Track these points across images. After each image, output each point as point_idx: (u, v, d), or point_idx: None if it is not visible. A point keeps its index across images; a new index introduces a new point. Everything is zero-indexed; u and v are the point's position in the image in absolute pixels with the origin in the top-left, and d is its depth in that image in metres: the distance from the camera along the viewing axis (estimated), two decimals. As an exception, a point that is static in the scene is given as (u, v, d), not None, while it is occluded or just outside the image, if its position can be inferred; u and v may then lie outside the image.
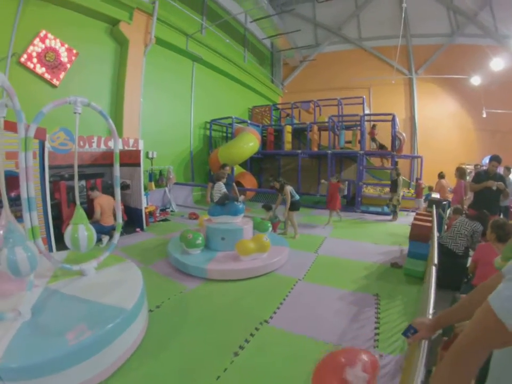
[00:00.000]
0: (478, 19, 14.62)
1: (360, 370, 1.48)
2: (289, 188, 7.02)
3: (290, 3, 17.06)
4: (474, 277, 3.32)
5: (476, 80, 13.92)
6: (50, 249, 5.32)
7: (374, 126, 12.50)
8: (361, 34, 17.45)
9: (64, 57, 7.56)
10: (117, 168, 3.73)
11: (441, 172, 9.42)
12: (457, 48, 15.26)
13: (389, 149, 11.65)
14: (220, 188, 5.86)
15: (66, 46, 7.59)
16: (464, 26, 15.15)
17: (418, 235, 4.79)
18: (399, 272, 5.01)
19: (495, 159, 5.31)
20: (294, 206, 7.07)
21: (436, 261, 2.66)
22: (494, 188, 5.17)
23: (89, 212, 5.85)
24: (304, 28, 17.50)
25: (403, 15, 12.03)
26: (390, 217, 9.66)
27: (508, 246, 2.79)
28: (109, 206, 6.37)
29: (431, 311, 1.71)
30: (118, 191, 3.78)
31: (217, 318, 3.53)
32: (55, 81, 7.43)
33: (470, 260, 4.23)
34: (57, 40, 7.41)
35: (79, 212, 3.46)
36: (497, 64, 12.83)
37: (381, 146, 12.17)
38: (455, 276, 4.05)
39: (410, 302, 3.96)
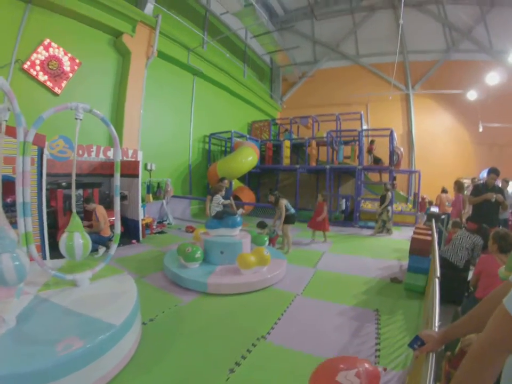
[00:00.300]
0: (473, 35, 14.87)
1: (354, 375, 1.43)
2: (284, 202, 6.97)
3: (290, 20, 17.31)
4: (476, 290, 3.26)
5: (472, 94, 14.08)
6: (44, 257, 5.20)
7: (372, 141, 12.57)
8: (358, 51, 17.70)
9: (67, 66, 7.62)
10: (117, 178, 3.65)
11: (444, 187, 9.43)
12: (453, 63, 15.49)
13: (386, 163, 11.66)
14: (218, 201, 5.81)
15: (69, 55, 7.65)
16: (459, 42, 15.40)
17: (419, 249, 4.74)
18: (399, 287, 4.93)
19: (494, 172, 5.30)
20: (289, 220, 6.99)
21: (438, 273, 2.61)
22: (493, 200, 5.15)
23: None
24: (303, 45, 17.79)
25: (399, 32, 12.22)
26: (384, 233, 9.63)
27: None
28: (107, 216, 6.38)
29: (437, 323, 1.66)
30: (117, 200, 3.68)
31: (213, 333, 3.43)
32: (56, 90, 7.46)
33: (470, 273, 4.19)
34: (61, 49, 7.47)
35: (75, 220, 3.38)
36: (492, 78, 13.01)
37: (376, 161, 12.20)
38: (456, 289, 3.99)
39: (411, 317, 3.88)
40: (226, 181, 7.09)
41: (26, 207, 2.65)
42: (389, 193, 9.22)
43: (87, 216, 6.63)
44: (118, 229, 3.75)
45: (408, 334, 3.44)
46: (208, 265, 5.19)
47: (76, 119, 3.17)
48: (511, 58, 11.65)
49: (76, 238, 3.27)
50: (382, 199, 9.31)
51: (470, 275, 4.13)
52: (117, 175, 3.66)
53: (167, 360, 2.87)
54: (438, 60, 15.98)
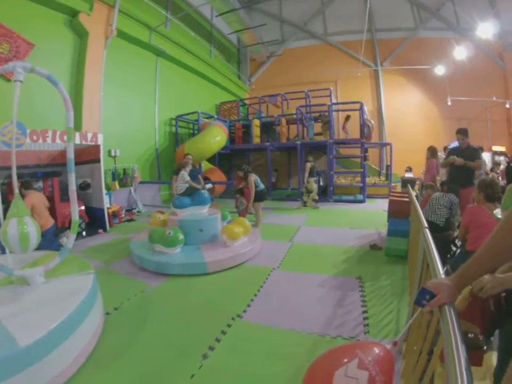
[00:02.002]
0: (441, 13, 15.11)
1: (356, 368, 1.07)
2: (253, 177, 6.58)
3: (256, 0, 16.84)
4: (466, 242, 3.09)
5: (439, 69, 14.18)
6: (3, 251, 4.67)
7: (348, 117, 12.42)
8: (327, 29, 17.55)
9: (19, 49, 6.90)
10: (70, 148, 2.98)
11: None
12: (421, 41, 15.67)
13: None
14: (184, 177, 5.41)
15: (22, 37, 6.94)
16: (427, 20, 15.61)
17: (398, 211, 4.61)
18: (379, 254, 4.80)
19: (458, 132, 5.12)
20: (258, 197, 6.63)
21: (425, 224, 2.39)
22: (456, 163, 5.00)
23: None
24: (271, 24, 17.41)
25: (367, 10, 12.11)
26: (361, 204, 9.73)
27: (507, 195, 2.61)
28: (43, 205, 5.03)
29: (441, 270, 1.39)
30: (72, 177, 3.01)
31: (182, 317, 3.12)
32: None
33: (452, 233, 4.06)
34: (12, 31, 6.74)
35: (20, 202, 2.92)
36: (460, 52, 13.06)
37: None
38: (440, 249, 3.83)
39: (396, 281, 3.73)
40: (190, 156, 6.69)
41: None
42: (308, 164, 9.35)
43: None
44: (76, 214, 3.03)
45: (395, 299, 3.27)
46: (187, 246, 4.75)
47: (15, 81, 2.68)
48: (478, 33, 11.66)
49: (30, 224, 2.83)
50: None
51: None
52: (70, 145, 2.99)
53: (131, 353, 2.54)
54: (406, 37, 16.14)
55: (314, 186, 9.50)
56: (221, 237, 4.90)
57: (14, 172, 2.98)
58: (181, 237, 4.62)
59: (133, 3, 9.91)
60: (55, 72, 7.68)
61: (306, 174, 9.39)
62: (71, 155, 2.98)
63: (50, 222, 5.06)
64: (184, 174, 5.44)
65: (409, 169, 11.74)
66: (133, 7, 9.78)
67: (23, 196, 4.85)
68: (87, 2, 8.17)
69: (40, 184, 6.58)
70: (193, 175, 5.96)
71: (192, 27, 13.76)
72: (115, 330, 2.86)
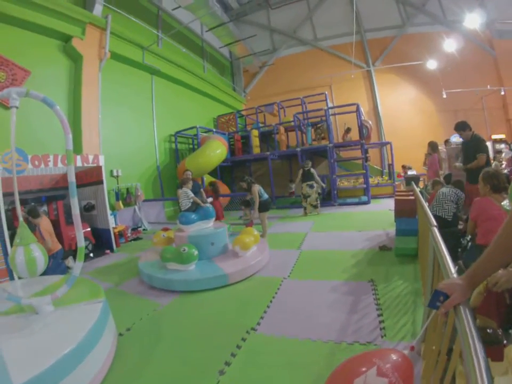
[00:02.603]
0: (427, 8, 15.19)
1: (375, 376, 1.06)
2: (257, 187, 6.60)
3: (245, 13, 17.03)
4: (476, 236, 3.04)
5: (431, 64, 14.22)
6: (12, 278, 4.71)
7: (348, 129, 12.47)
8: (316, 35, 17.63)
9: (16, 77, 7.01)
10: (71, 171, 2.90)
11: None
12: (410, 37, 15.67)
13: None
14: (187, 194, 5.46)
15: (17, 65, 7.06)
16: (414, 16, 15.65)
17: (404, 210, 4.58)
18: (389, 254, 4.75)
19: (455, 128, 5.09)
20: (263, 207, 6.64)
21: (434, 223, 2.36)
22: (456, 168, 4.97)
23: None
24: (260, 34, 17.58)
25: (354, 13, 12.23)
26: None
27: None
28: (52, 230, 5.23)
29: (453, 270, 1.37)
30: (75, 201, 2.91)
31: (196, 334, 3.09)
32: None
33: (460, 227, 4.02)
34: (8, 60, 6.88)
35: (26, 230, 2.92)
36: (450, 45, 13.15)
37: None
38: (449, 245, 3.79)
39: (409, 281, 3.68)
40: (189, 172, 6.80)
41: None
42: (300, 170, 9.31)
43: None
44: (81, 241, 2.86)
45: (409, 299, 3.22)
46: (200, 261, 4.71)
47: (11, 107, 2.69)
48: (465, 24, 11.76)
49: (36, 250, 2.89)
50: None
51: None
52: (71, 168, 2.92)
53: (147, 373, 2.51)
54: (395, 35, 16.15)
55: (310, 191, 9.29)
56: (234, 248, 4.96)
57: (17, 198, 3.01)
58: (196, 252, 4.59)
59: (124, 24, 10.08)
60: (53, 97, 7.74)
61: (297, 180, 9.35)
62: (72, 178, 2.90)
63: (58, 245, 5.18)
64: (187, 191, 5.46)
65: (408, 167, 11.67)
66: (124, 28, 9.92)
67: (32, 224, 4.96)
68: (79, 26, 8.29)
69: (45, 208, 6.60)
70: (195, 191, 5.99)
71: (184, 43, 13.90)
72: (129, 351, 2.83)
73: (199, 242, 4.91)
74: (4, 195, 4.97)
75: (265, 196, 6.76)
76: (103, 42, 8.99)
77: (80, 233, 2.86)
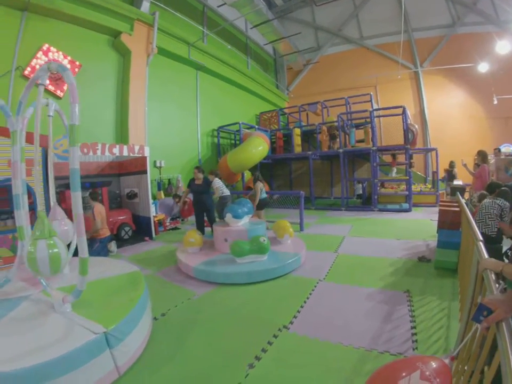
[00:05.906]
0: (478, 7, 14.24)
1: (419, 379, 1.12)
2: (260, 185, 6.88)
3: (290, 9, 16.94)
4: None
5: (483, 67, 13.33)
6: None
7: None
8: (362, 33, 17.22)
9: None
10: (74, 154, 2.32)
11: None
12: (461, 37, 14.82)
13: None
14: (219, 184, 6.46)
15: (69, 58, 7.56)
16: (464, 15, 14.75)
17: (448, 222, 4.39)
18: (428, 266, 4.62)
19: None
20: (259, 205, 6.90)
21: (480, 237, 2.30)
22: None
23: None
24: (305, 32, 17.41)
25: (402, 11, 11.75)
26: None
27: None
28: (105, 216, 5.94)
29: (496, 285, 1.36)
30: (77, 197, 2.35)
31: (229, 325, 3.19)
32: (59, 93, 7.37)
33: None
34: (60, 53, 7.39)
35: (46, 223, 2.64)
36: (503, 47, 12.23)
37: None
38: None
39: (446, 296, 3.58)
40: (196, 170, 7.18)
41: (17, 199, 2.38)
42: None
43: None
44: (83, 252, 2.38)
45: (444, 314, 3.14)
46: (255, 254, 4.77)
47: (39, 85, 2.94)
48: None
49: (41, 248, 2.52)
50: None
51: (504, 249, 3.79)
52: (74, 150, 2.32)
53: (179, 357, 2.65)
54: (445, 35, 15.35)
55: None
56: (283, 236, 5.62)
57: (52, 185, 3.07)
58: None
59: (171, 21, 10.40)
60: (102, 89, 8.42)
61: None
62: (73, 165, 2.30)
63: (107, 231, 5.81)
64: (219, 180, 6.61)
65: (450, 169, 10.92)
66: (171, 25, 10.24)
67: (89, 207, 5.69)
68: (127, 23, 8.69)
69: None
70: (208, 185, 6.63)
71: (229, 40, 14.09)
72: (163, 335, 2.99)
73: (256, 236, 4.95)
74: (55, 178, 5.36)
75: (264, 195, 7.09)
76: (150, 38, 9.34)
77: (81, 238, 2.36)
